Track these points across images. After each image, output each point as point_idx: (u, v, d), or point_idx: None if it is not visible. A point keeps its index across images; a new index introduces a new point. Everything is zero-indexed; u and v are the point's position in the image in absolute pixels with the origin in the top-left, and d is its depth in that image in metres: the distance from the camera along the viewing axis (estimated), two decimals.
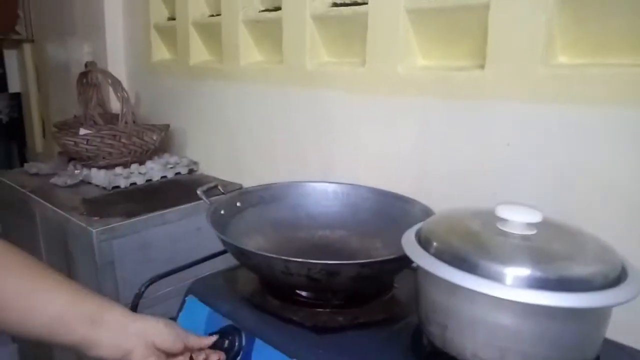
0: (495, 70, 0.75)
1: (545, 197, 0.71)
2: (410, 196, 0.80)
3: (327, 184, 0.89)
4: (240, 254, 0.64)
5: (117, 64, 1.64)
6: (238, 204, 0.80)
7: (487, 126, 0.78)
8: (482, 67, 0.77)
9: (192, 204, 1.13)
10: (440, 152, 0.84)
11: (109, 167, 1.29)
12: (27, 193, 1.22)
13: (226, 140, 1.30)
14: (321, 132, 1.05)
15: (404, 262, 0.56)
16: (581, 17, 0.69)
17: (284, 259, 0.57)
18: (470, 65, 0.81)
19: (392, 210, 0.81)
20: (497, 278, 0.44)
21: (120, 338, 0.52)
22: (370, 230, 0.82)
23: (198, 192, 0.77)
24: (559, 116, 0.69)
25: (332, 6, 1.01)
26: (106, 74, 1.37)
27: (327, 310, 0.65)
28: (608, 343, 0.54)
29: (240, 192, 0.84)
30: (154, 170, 1.32)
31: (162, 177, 1.32)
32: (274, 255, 0.58)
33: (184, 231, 1.12)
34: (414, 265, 0.52)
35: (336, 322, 0.62)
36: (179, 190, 1.24)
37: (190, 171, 1.38)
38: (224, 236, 0.66)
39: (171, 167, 1.35)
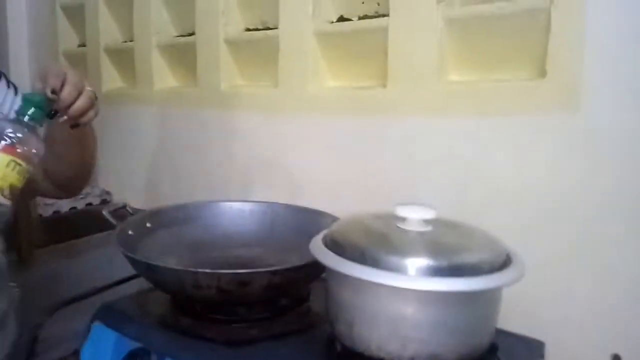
0: (396, 88, 0.81)
1: (446, 201, 0.75)
2: (325, 209, 0.82)
3: (242, 203, 0.89)
4: (148, 270, 0.62)
5: (22, 91, 1.55)
6: (148, 224, 0.78)
7: (391, 140, 0.82)
8: (384, 85, 0.83)
9: (104, 233, 1.07)
10: (350, 167, 0.88)
11: None
12: None
13: (142, 166, 1.26)
14: (238, 152, 1.05)
15: (314, 268, 0.57)
16: (467, 38, 0.76)
17: (193, 271, 0.56)
18: (375, 85, 0.87)
19: (307, 225, 0.82)
20: (396, 270, 0.47)
21: None
22: (286, 245, 0.82)
23: (104, 212, 0.74)
24: (454, 128, 0.76)
25: (245, 31, 1.04)
26: None
27: (241, 325, 0.64)
28: (504, 333, 0.58)
29: (150, 212, 0.82)
30: (62, 200, 1.24)
31: (71, 209, 1.24)
32: (182, 268, 0.57)
33: (95, 264, 1.05)
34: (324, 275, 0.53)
35: (250, 335, 0.61)
36: (89, 220, 1.18)
37: (103, 201, 1.32)
38: (131, 254, 0.63)
39: (82, 198, 1.28)
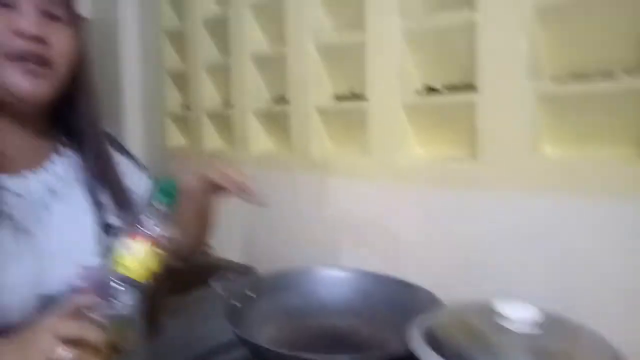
0: (487, 161, 0.80)
1: (542, 284, 0.74)
2: (415, 281, 0.83)
3: (337, 271, 0.92)
4: (254, 349, 0.66)
5: (134, 147, 1.74)
6: (250, 294, 0.83)
7: (482, 214, 0.82)
8: (474, 156, 0.83)
9: (199, 291, 1.14)
10: (440, 239, 0.88)
11: None
12: None
13: (238, 223, 1.35)
14: (327, 217, 1.09)
15: (413, 357, 0.58)
16: (562, 114, 0.75)
17: (296, 356, 0.60)
18: (464, 154, 0.87)
19: (400, 297, 0.83)
20: None
21: None
22: (379, 317, 0.84)
23: (212, 283, 0.80)
24: (551, 205, 0.73)
25: (335, 100, 1.09)
26: None
27: None
28: None
29: (252, 280, 0.88)
30: None
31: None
32: (287, 352, 0.61)
33: (190, 324, 1.12)
34: None
35: None
36: (190, 274, 1.27)
37: (203, 253, 1.42)
38: (239, 331, 0.68)
39: None
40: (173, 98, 1.60)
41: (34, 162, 0.67)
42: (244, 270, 1.22)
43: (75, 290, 0.60)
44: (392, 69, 0.93)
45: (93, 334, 0.51)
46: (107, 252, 0.67)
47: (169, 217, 0.60)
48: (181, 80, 1.54)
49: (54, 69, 0.63)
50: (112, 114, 1.76)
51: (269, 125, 1.27)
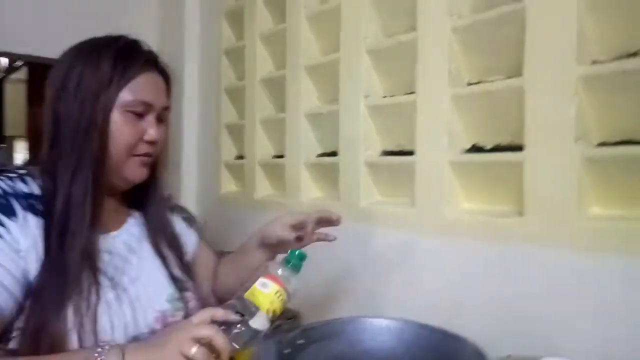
0: (534, 219, 0.83)
1: (584, 339, 0.74)
2: (458, 332, 0.84)
3: (382, 319, 0.94)
4: None
5: (189, 194, 1.85)
6: (301, 341, 0.87)
7: (528, 273, 0.83)
8: (520, 213, 0.85)
9: None
10: (485, 294, 0.89)
11: None
12: None
13: None
14: (373, 266, 1.13)
15: None
16: (608, 174, 0.77)
17: None
18: (511, 211, 0.89)
19: (444, 348, 0.85)
20: None
21: None
22: None
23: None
24: (599, 266, 0.74)
25: (383, 155, 1.15)
26: None
27: None
28: None
29: (302, 329, 0.91)
30: None
31: None
32: None
33: None
34: None
35: None
36: None
37: None
38: None
39: None
40: (227, 148, 1.71)
41: (117, 224, 0.79)
42: (293, 318, 1.26)
43: (155, 333, 0.72)
44: (441, 127, 0.98)
45: (222, 341, 0.58)
46: (174, 299, 0.79)
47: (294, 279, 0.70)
48: (236, 131, 1.66)
49: (154, 157, 0.78)
50: (172, 163, 1.89)
51: (318, 176, 1.33)
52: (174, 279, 0.81)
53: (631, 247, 0.71)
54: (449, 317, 0.92)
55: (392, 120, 1.13)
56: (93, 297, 0.67)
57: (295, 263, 0.71)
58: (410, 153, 1.06)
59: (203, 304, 0.87)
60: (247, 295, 0.66)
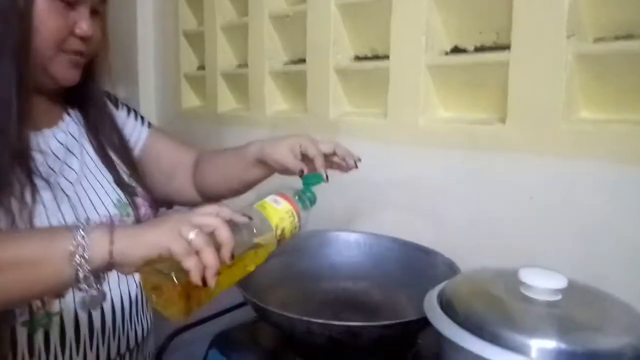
0: (517, 125, 0.76)
1: (568, 252, 0.70)
2: (432, 246, 0.80)
3: (349, 233, 0.89)
4: (263, 312, 0.64)
5: (149, 109, 1.72)
6: None
7: (508, 179, 0.78)
8: (503, 120, 0.78)
9: None
10: (461, 204, 0.84)
11: None
12: None
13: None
14: (341, 181, 1.06)
15: (427, 322, 0.56)
16: (602, 74, 0.69)
17: (306, 320, 0.58)
18: (492, 118, 0.82)
19: (415, 262, 0.81)
20: (521, 350, 0.44)
21: None
22: (393, 282, 0.81)
23: None
24: (582, 171, 0.69)
25: (355, 60, 1.04)
26: None
27: None
28: None
29: None
30: None
31: None
32: (296, 316, 0.58)
33: None
34: None
35: None
36: None
37: None
38: (246, 293, 0.67)
39: None
40: (187, 59, 1.56)
41: (50, 121, 0.71)
42: None
43: None
44: (419, 28, 0.87)
45: (227, 235, 0.50)
46: (123, 204, 0.72)
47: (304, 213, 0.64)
48: (196, 40, 1.50)
49: (86, 57, 0.69)
50: (127, 74, 1.74)
51: (284, 86, 1.22)
52: (121, 184, 0.74)
53: (622, 154, 0.65)
54: (423, 231, 0.88)
55: (366, 21, 1.01)
56: (27, 197, 0.61)
57: (312, 197, 0.67)
58: (385, 58, 0.95)
59: (155, 210, 0.81)
60: (257, 205, 0.60)
